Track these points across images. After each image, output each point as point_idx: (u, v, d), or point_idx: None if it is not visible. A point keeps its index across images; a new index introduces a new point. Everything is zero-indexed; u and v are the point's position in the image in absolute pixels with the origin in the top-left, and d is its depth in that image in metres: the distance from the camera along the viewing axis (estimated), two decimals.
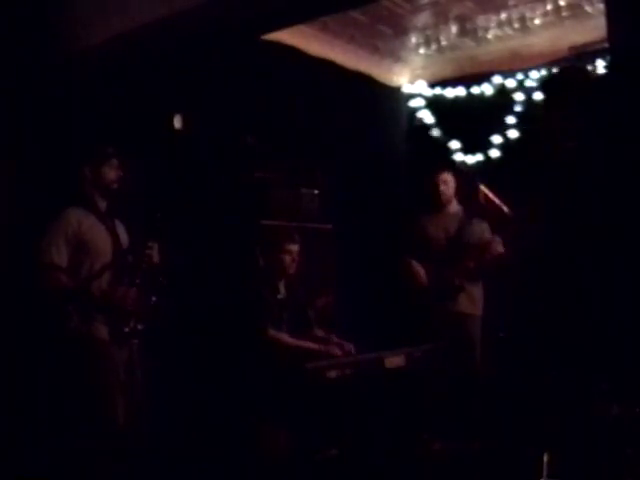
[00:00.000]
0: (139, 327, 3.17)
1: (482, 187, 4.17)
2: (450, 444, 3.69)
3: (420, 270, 4.42)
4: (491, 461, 3.41)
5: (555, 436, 3.04)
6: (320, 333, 4.02)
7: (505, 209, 4.13)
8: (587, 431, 2.95)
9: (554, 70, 5.19)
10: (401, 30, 5.42)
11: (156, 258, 3.30)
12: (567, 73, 3.41)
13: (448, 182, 4.51)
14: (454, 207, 4.55)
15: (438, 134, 5.83)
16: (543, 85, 3.36)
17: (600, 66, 4.91)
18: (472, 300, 4.44)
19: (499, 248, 4.35)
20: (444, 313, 4.35)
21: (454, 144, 5.74)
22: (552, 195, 3.13)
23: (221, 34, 3.87)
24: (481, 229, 4.45)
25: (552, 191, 3.10)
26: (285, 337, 3.78)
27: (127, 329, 3.15)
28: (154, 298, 3.21)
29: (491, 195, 4.17)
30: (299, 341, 3.78)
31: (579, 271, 2.92)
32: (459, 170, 4.46)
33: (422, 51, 5.74)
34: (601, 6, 4.56)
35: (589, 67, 4.96)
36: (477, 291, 4.47)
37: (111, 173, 3.28)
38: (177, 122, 4.32)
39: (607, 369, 2.92)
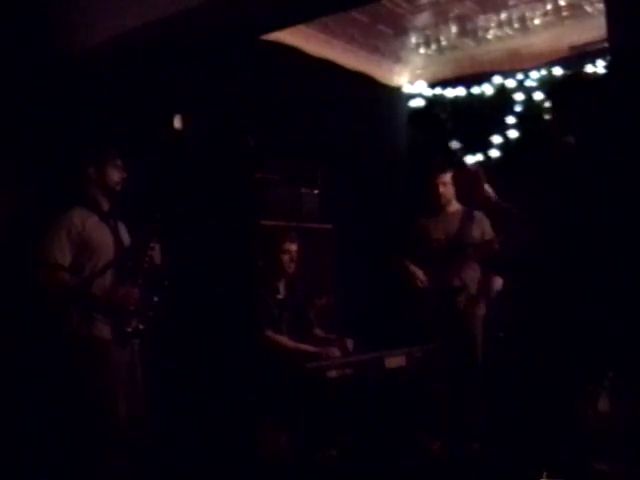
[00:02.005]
0: (141, 327, 3.17)
1: (486, 184, 4.14)
2: (450, 444, 3.70)
3: (419, 273, 4.39)
4: (491, 461, 3.42)
5: (555, 436, 3.04)
6: (320, 333, 4.02)
7: (505, 205, 4.10)
8: (586, 431, 2.95)
9: (555, 71, 5.20)
10: (401, 30, 5.42)
11: (158, 258, 3.30)
12: (573, 77, 3.42)
13: (447, 184, 4.48)
14: (454, 207, 4.53)
15: (438, 134, 5.83)
16: (549, 89, 3.38)
17: (600, 66, 4.92)
18: (473, 300, 4.42)
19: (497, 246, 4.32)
20: (445, 313, 4.34)
21: (454, 144, 5.74)
22: (552, 195, 3.14)
23: (221, 34, 3.87)
24: (482, 226, 4.43)
25: (552, 191, 3.11)
26: (284, 340, 3.78)
27: (129, 329, 3.15)
28: (156, 298, 3.21)
29: (492, 191, 4.15)
30: (298, 344, 3.78)
31: (579, 270, 2.92)
32: (461, 167, 4.43)
33: (422, 51, 5.75)
34: (601, 6, 4.57)
35: (591, 70, 4.98)
36: (478, 290, 4.46)
37: (115, 174, 3.28)
38: (177, 122, 4.32)
39: (607, 368, 2.92)
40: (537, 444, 3.09)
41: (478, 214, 4.44)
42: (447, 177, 4.48)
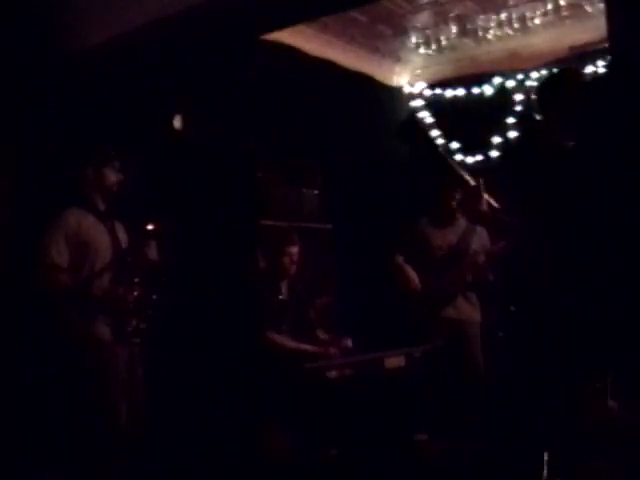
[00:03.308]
0: (141, 326, 3.17)
1: (486, 196, 4.11)
2: (450, 444, 3.70)
3: (412, 275, 4.37)
4: (491, 461, 3.41)
5: (555, 435, 3.04)
6: (322, 334, 4.01)
7: (502, 218, 4.09)
8: (586, 430, 2.95)
9: (554, 70, 5.19)
10: (401, 30, 5.42)
11: (155, 257, 3.30)
12: (561, 75, 3.41)
13: (461, 201, 4.46)
14: (458, 219, 4.50)
15: (438, 134, 5.83)
16: (537, 88, 3.36)
17: (598, 66, 4.92)
18: (472, 306, 4.43)
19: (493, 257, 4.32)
20: (441, 319, 4.33)
21: (454, 144, 5.74)
22: (550, 196, 3.15)
23: (221, 34, 3.87)
24: (482, 240, 4.43)
25: (550, 191, 3.12)
26: (283, 339, 3.77)
27: (129, 328, 3.15)
28: (155, 297, 3.21)
29: (492, 202, 4.13)
30: (298, 344, 3.78)
31: (578, 271, 2.93)
32: (465, 180, 4.40)
33: (422, 51, 5.74)
34: (601, 6, 4.56)
35: (585, 69, 4.98)
36: (474, 296, 4.46)
37: (113, 176, 3.29)
38: (177, 122, 4.32)
39: (606, 368, 2.92)
40: (537, 443, 3.09)
41: (480, 229, 4.44)
42: (460, 193, 4.45)
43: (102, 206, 3.30)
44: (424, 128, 5.88)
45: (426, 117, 5.92)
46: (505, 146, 5.44)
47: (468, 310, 4.40)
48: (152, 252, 3.28)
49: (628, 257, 2.63)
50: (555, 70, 5.01)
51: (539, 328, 3.10)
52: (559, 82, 3.18)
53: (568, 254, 2.90)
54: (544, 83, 3.42)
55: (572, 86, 3.04)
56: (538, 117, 3.23)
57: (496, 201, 4.08)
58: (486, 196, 3.97)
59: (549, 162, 3.02)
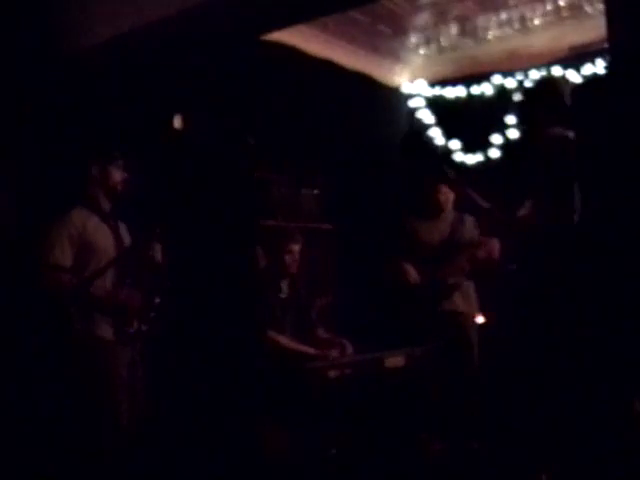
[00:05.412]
0: (143, 328, 3.17)
1: (471, 193, 4.11)
2: (450, 444, 3.70)
3: (411, 271, 4.38)
4: (491, 461, 3.42)
5: (555, 436, 3.04)
6: (322, 334, 4.02)
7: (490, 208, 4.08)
8: (588, 433, 2.95)
9: (555, 71, 5.19)
10: (401, 30, 5.42)
11: (159, 259, 3.30)
12: (538, 87, 3.40)
13: (447, 194, 4.47)
14: (449, 213, 4.52)
15: (438, 134, 5.84)
16: (519, 103, 3.37)
17: (600, 66, 4.93)
18: (467, 298, 4.43)
19: (492, 249, 4.32)
20: (439, 312, 4.34)
21: (454, 144, 5.74)
22: (550, 196, 3.15)
23: (221, 34, 3.87)
24: (472, 230, 4.44)
25: (549, 192, 3.12)
26: (284, 340, 3.78)
27: (132, 330, 3.15)
28: (157, 299, 3.22)
29: (478, 199, 4.12)
30: (298, 345, 3.78)
31: (580, 270, 2.93)
32: (452, 180, 4.41)
33: (422, 51, 5.74)
34: (601, 6, 4.56)
35: (585, 69, 5.00)
36: (471, 289, 4.47)
37: (118, 174, 3.29)
38: (177, 122, 4.32)
39: (609, 372, 2.92)
40: (537, 443, 3.09)
41: (469, 218, 4.45)
42: (447, 187, 4.46)
43: (106, 206, 3.30)
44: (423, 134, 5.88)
45: (426, 117, 5.93)
46: (506, 146, 5.44)
47: (463, 302, 4.40)
48: (157, 254, 3.28)
49: (630, 256, 2.63)
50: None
51: (541, 327, 3.10)
52: (539, 93, 3.19)
53: (570, 253, 2.90)
54: (525, 97, 3.40)
55: (552, 96, 3.06)
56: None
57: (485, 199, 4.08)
58: (472, 194, 3.98)
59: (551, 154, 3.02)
